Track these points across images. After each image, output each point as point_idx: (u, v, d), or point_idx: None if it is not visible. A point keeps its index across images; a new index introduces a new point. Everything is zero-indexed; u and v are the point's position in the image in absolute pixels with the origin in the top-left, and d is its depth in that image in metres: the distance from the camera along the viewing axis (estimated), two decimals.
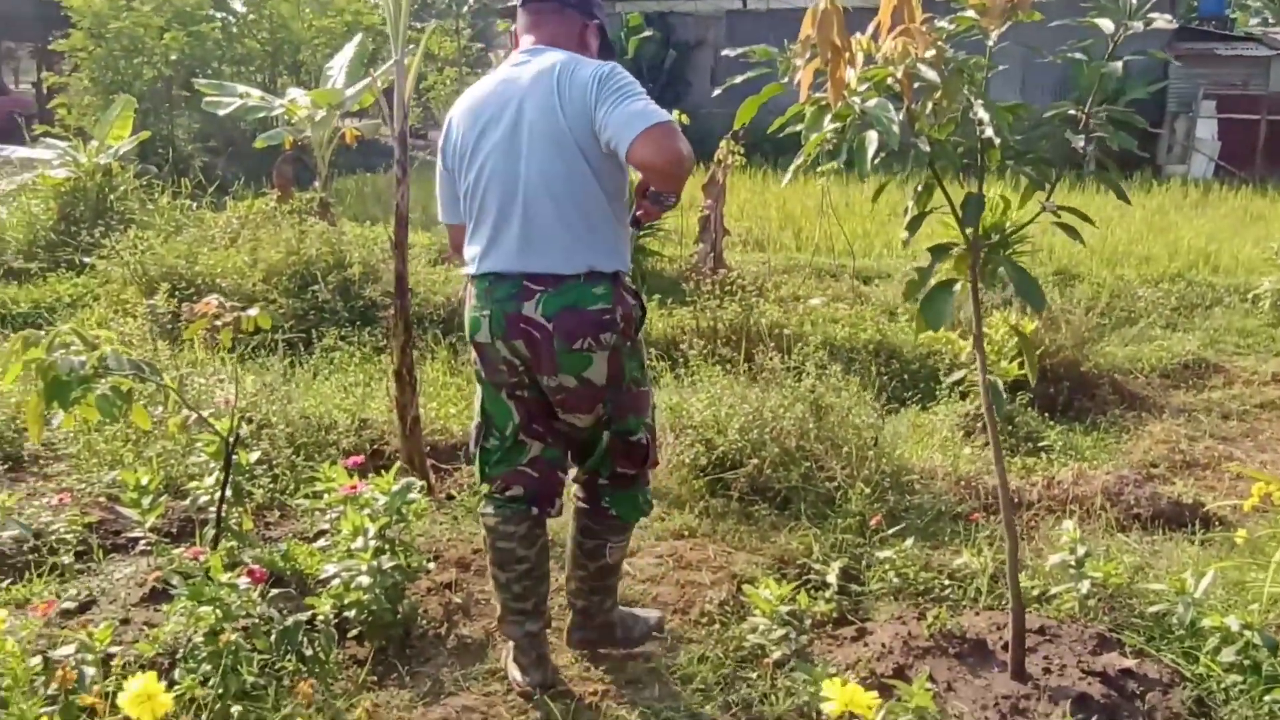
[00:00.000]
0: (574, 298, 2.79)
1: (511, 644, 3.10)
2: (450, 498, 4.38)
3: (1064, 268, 9.33)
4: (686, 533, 4.09)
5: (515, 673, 3.07)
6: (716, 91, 3.23)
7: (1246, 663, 2.98)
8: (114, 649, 2.79)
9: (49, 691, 2.53)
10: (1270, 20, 30.87)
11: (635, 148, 2.60)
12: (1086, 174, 12.52)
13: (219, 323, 3.48)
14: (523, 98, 2.79)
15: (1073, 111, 2.86)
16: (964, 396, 5.60)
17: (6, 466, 4.52)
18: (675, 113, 8.14)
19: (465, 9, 28.72)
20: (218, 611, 2.78)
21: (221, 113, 9.25)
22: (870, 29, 2.72)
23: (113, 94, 13.79)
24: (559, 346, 2.80)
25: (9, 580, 3.39)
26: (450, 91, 26.18)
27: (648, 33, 22.76)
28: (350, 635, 3.18)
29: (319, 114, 8.91)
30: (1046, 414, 5.79)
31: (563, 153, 2.76)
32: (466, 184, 2.92)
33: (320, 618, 3.06)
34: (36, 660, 2.60)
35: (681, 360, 5.61)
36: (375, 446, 4.74)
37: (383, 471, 3.42)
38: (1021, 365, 5.63)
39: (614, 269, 2.86)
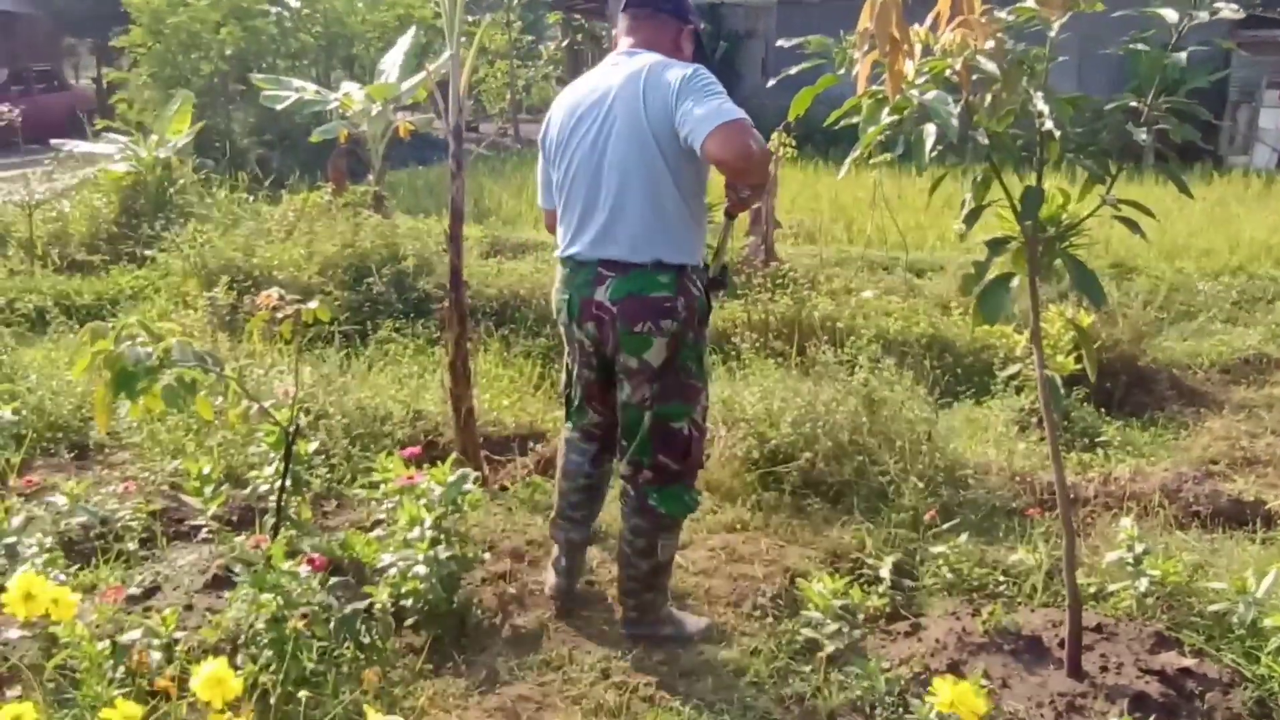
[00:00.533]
0: (639, 285, 3.02)
1: (555, 549, 3.50)
2: (504, 489, 4.42)
3: (1121, 261, 9.18)
4: (739, 526, 4.09)
5: (549, 576, 3.50)
6: (771, 82, 3.24)
7: None
8: (179, 634, 2.86)
9: (118, 675, 2.60)
10: None
11: (708, 143, 2.79)
12: (1146, 166, 12.34)
13: (279, 315, 3.53)
14: (614, 98, 3.02)
15: (1134, 103, 2.82)
16: (1019, 391, 5.53)
17: (73, 455, 4.64)
18: None
19: (516, 2, 28.81)
20: (279, 599, 2.83)
21: (278, 107, 9.34)
22: (929, 20, 2.71)
23: (171, 89, 14.01)
24: (621, 329, 3.04)
25: (77, 565, 3.47)
26: (501, 84, 26.35)
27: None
28: (407, 624, 3.22)
29: (374, 109, 8.99)
30: (1103, 409, 5.72)
31: (643, 151, 2.98)
32: (559, 175, 3.19)
33: (378, 606, 3.11)
34: (104, 644, 2.67)
35: (734, 353, 5.61)
36: (429, 438, 4.78)
37: (437, 463, 3.46)
38: (1078, 360, 5.56)
39: (681, 261, 3.05)
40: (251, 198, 9.98)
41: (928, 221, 10.57)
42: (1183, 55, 2.65)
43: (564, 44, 35.79)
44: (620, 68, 3.06)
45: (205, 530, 3.70)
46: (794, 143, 8.65)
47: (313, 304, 3.52)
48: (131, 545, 3.64)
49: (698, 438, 3.21)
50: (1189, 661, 3.04)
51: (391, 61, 9.75)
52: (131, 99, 16.42)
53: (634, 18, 3.17)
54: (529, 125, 27.73)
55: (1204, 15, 2.65)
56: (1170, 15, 2.73)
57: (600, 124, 3.03)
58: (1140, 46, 2.89)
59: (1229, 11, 2.64)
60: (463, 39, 4.62)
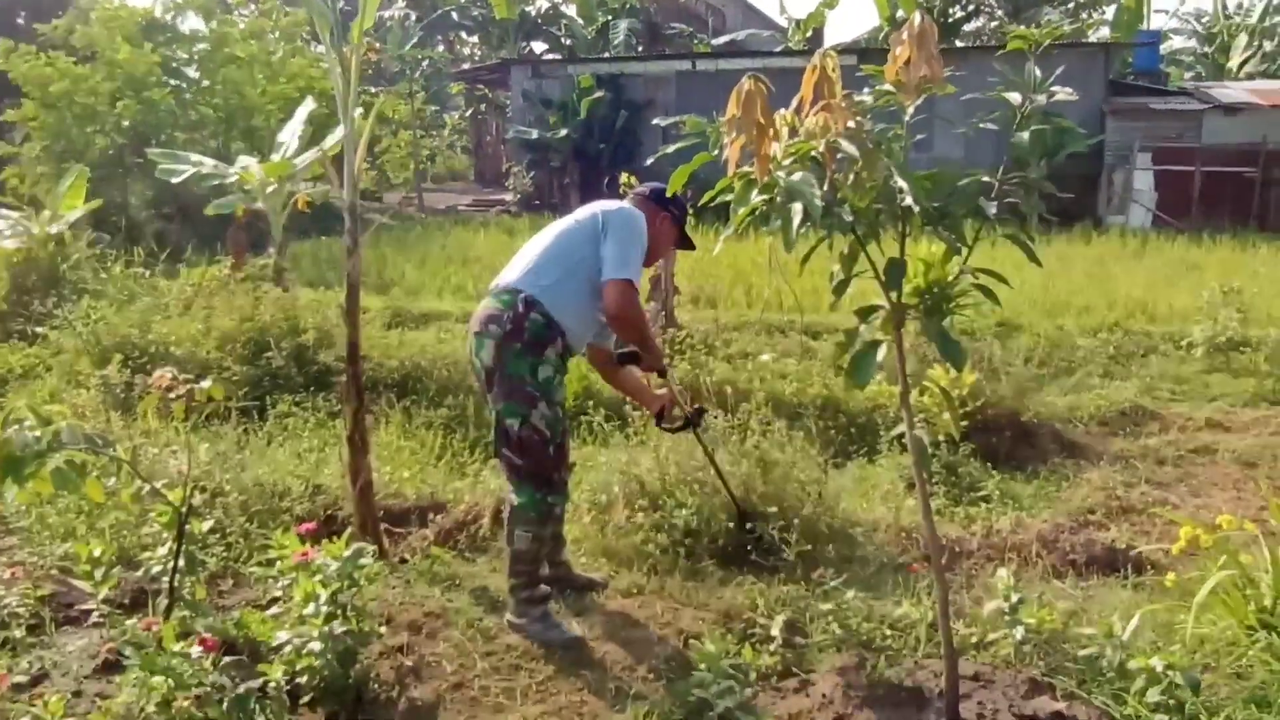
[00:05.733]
0: (490, 300, 3.84)
1: None
2: (404, 561, 4.43)
3: (1006, 319, 9.55)
4: (635, 591, 4.17)
5: None
6: (649, 161, 3.42)
7: (1171, 702, 3.10)
8: None
9: None
10: (1203, 75, 31.88)
11: (604, 287, 3.75)
12: (1032, 229, 12.91)
13: (172, 395, 3.54)
14: (587, 211, 4.02)
15: (986, 178, 3.03)
16: (905, 450, 5.72)
17: None
18: (624, 175, 8.35)
19: (419, 73, 29.05)
20: (170, 681, 2.83)
21: (175, 180, 9.30)
22: (793, 104, 2.88)
23: (65, 163, 13.81)
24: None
25: None
26: (405, 154, 26.45)
27: (599, 94, 23.14)
28: (303, 701, 3.22)
29: (272, 184, 9.00)
30: (989, 463, 5.94)
31: (580, 240, 3.91)
32: None
33: (272, 685, 3.10)
34: None
35: (631, 419, 5.70)
36: (329, 512, 4.78)
37: (336, 537, 3.48)
38: (963, 418, 5.79)
39: (525, 291, 3.77)
40: (148, 272, 9.86)
41: (823, 285, 10.83)
42: (1025, 136, 2.87)
43: (468, 114, 36.17)
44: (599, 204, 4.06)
45: (96, 614, 3.65)
46: (692, 211, 8.85)
47: (206, 383, 3.55)
48: (18, 632, 3.58)
49: (536, 440, 3.74)
50: (1060, 705, 3.19)
51: (290, 134, 9.80)
52: (23, 173, 16.12)
53: (632, 196, 4.22)
54: (433, 194, 27.84)
55: (1042, 99, 2.88)
56: (1014, 98, 2.96)
57: (567, 220, 4.04)
58: (990, 125, 3.12)
59: (1064, 95, 2.87)
60: (360, 111, 4.70)
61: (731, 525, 4.42)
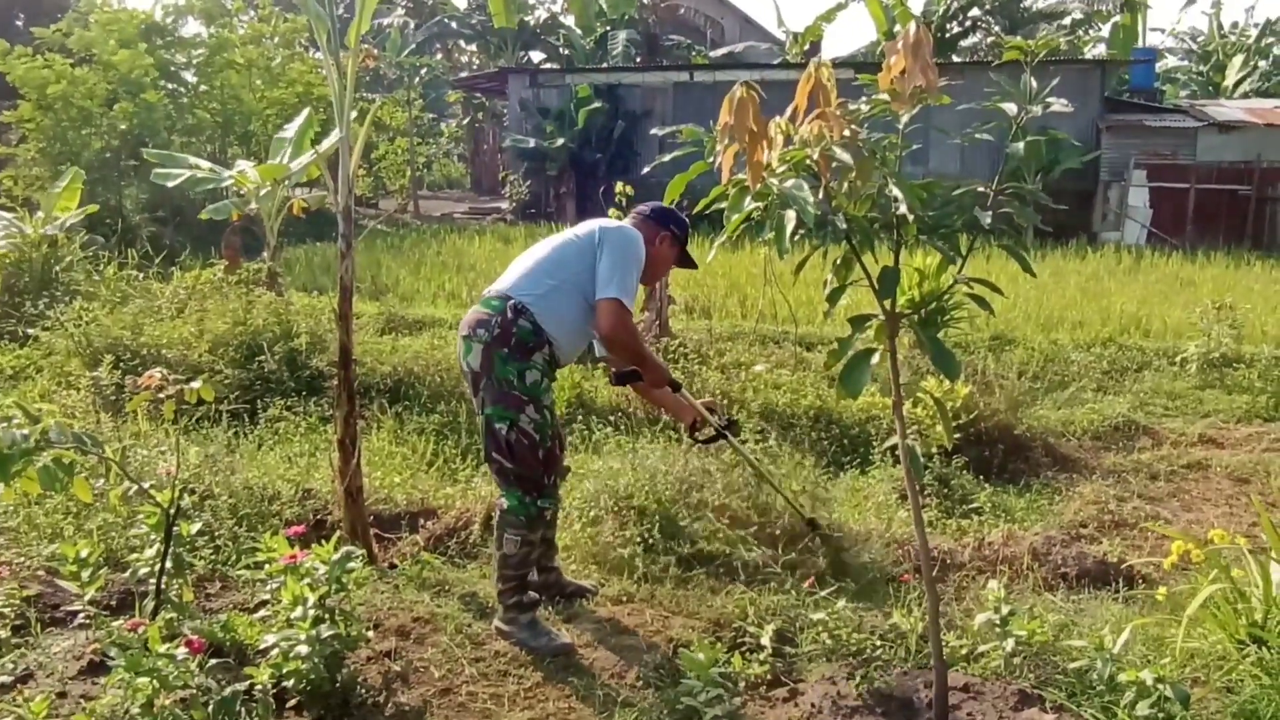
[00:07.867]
0: (481, 304, 3.85)
1: None
2: (393, 566, 4.42)
3: (1000, 333, 9.56)
4: (625, 598, 4.15)
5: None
6: (645, 169, 3.40)
7: (1161, 716, 3.08)
8: None
9: None
10: (1199, 94, 32.01)
11: (598, 305, 3.77)
12: (1027, 242, 12.92)
13: (162, 395, 3.53)
14: (586, 227, 4.02)
15: (981, 188, 3.03)
16: (897, 462, 5.72)
17: None
18: (620, 185, 8.35)
19: (417, 81, 29.06)
20: (154, 682, 2.81)
21: (170, 184, 9.24)
22: (788, 112, 2.88)
23: (61, 165, 13.77)
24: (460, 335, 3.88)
25: None
26: (401, 161, 26.44)
27: (596, 104, 23.17)
28: (289, 705, 3.20)
29: (266, 187, 8.97)
30: (981, 476, 5.94)
31: (577, 256, 3.90)
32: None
33: (258, 687, 3.09)
34: None
35: (623, 427, 5.70)
36: (319, 516, 4.77)
37: (325, 541, 3.46)
38: (957, 429, 5.78)
39: (516, 298, 3.79)
40: (142, 275, 9.83)
41: (817, 296, 10.86)
42: (1019, 146, 2.87)
43: (465, 122, 36.20)
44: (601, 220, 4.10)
45: (82, 615, 3.63)
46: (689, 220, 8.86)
47: (196, 383, 3.53)
48: (3, 632, 3.56)
49: (524, 444, 3.74)
50: (1050, 718, 3.18)
51: (286, 139, 9.77)
52: (18, 175, 16.09)
53: (633, 215, 4.20)
54: (428, 202, 27.85)
55: (1038, 110, 2.88)
56: (1010, 108, 2.96)
57: (567, 233, 4.04)
58: (986, 136, 3.11)
59: (1059, 106, 2.87)
60: (355, 116, 4.69)
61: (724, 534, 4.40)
